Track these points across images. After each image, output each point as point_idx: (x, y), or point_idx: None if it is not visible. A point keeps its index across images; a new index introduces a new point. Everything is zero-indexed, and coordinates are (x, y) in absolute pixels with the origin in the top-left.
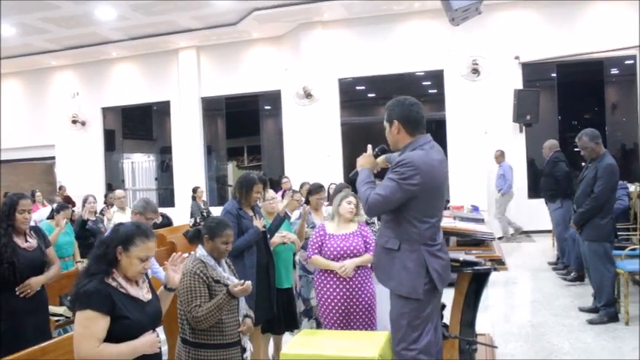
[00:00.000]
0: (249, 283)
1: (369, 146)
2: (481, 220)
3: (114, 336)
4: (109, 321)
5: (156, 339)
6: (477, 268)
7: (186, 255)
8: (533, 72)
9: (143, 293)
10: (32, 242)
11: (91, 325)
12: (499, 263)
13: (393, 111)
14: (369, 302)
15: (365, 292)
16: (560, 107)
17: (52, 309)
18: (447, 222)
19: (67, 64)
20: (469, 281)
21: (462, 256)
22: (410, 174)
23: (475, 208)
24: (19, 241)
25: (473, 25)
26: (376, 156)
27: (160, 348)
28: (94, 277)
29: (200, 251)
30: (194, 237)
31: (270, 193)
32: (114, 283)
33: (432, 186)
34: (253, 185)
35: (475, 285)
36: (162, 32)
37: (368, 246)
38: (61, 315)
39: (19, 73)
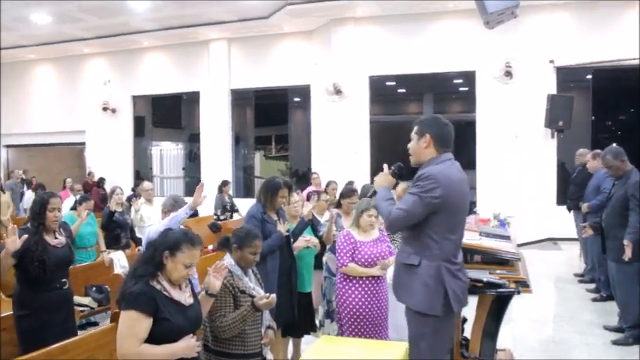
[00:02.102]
0: (273, 296)
1: (385, 165)
2: (507, 238)
3: (155, 337)
4: (151, 322)
5: (195, 343)
6: (500, 290)
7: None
8: (567, 75)
9: (185, 297)
10: (61, 239)
11: (134, 325)
12: (523, 285)
13: (426, 125)
14: (384, 309)
15: (382, 299)
16: (594, 109)
17: (77, 299)
18: (471, 238)
19: (100, 51)
20: (492, 302)
21: (485, 276)
22: (431, 187)
23: (501, 223)
24: (49, 238)
25: (507, 27)
26: (393, 174)
27: (199, 353)
28: (141, 279)
29: (227, 260)
30: (222, 245)
31: (295, 197)
32: (158, 286)
33: (452, 200)
34: (279, 190)
35: (498, 305)
36: (193, 23)
37: (391, 249)
38: (86, 305)
39: (53, 60)
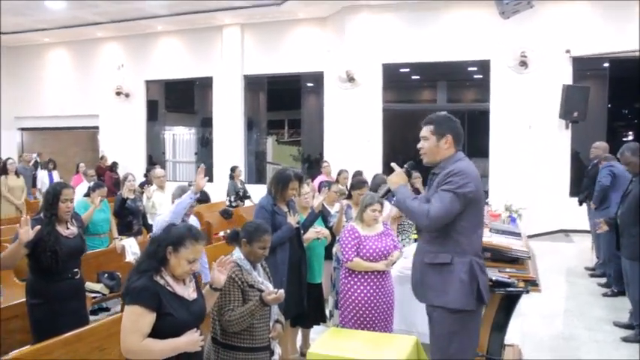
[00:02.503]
0: (281, 292)
1: (394, 164)
2: (517, 235)
3: (159, 332)
4: (154, 317)
5: (198, 337)
6: (509, 289)
7: (232, 258)
8: (584, 64)
9: (189, 292)
10: (73, 229)
11: (138, 320)
12: (532, 284)
13: (444, 125)
14: (390, 303)
15: (388, 293)
16: (610, 97)
17: (90, 285)
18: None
19: (114, 36)
20: (500, 299)
21: (494, 275)
22: (464, 182)
23: (512, 219)
24: (61, 228)
25: (523, 16)
26: (406, 172)
27: (202, 347)
28: (144, 274)
29: (237, 254)
30: (232, 239)
31: (305, 188)
32: (162, 281)
33: (480, 195)
34: (289, 182)
35: (506, 303)
36: (207, 9)
37: (396, 243)
38: (98, 292)
39: (68, 44)
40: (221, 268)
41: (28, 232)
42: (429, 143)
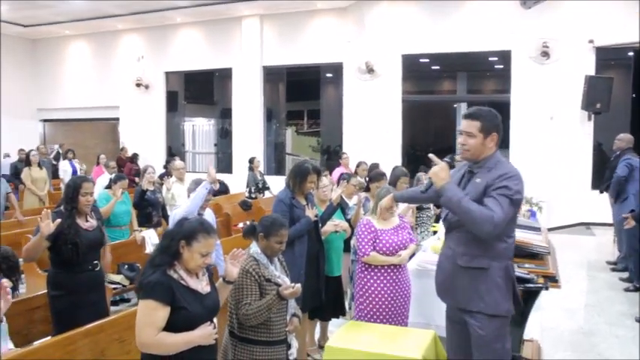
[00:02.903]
0: (298, 286)
1: (432, 156)
2: (537, 229)
3: (173, 326)
4: (168, 311)
5: (212, 331)
6: (528, 286)
7: (249, 252)
8: (607, 54)
9: (202, 286)
10: (93, 222)
11: (152, 314)
12: (552, 280)
13: (492, 122)
14: (407, 297)
15: (404, 287)
16: (635, 86)
17: (110, 277)
18: None
19: (133, 27)
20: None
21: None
22: (518, 188)
23: (532, 213)
24: (81, 221)
25: (545, 6)
26: (450, 165)
27: (216, 340)
28: (158, 269)
29: (254, 248)
30: (248, 233)
31: (324, 181)
32: (175, 275)
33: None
34: (307, 175)
35: (525, 299)
36: (226, 0)
37: (411, 236)
38: (118, 283)
39: (88, 36)
40: (234, 261)
41: (49, 225)
42: (476, 141)
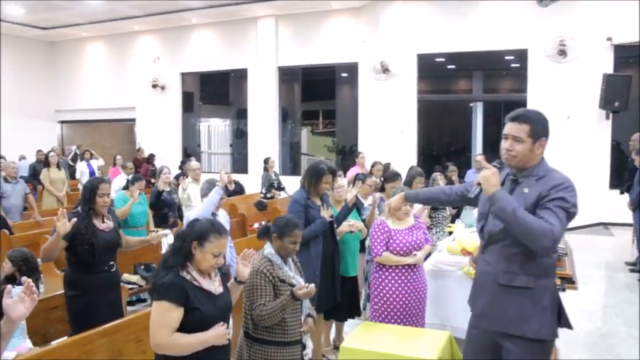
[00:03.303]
0: (312, 286)
1: (480, 159)
2: None
3: (187, 326)
4: (182, 312)
5: (225, 331)
6: None
7: (263, 253)
8: (626, 52)
9: (215, 286)
10: (109, 223)
11: (166, 315)
12: (569, 282)
13: (541, 126)
14: (422, 297)
15: (419, 287)
16: None
17: (126, 277)
18: None
19: (150, 29)
20: None
21: None
22: (575, 200)
23: None
24: (98, 222)
25: (563, 4)
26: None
27: (230, 340)
28: (171, 270)
29: (268, 249)
30: (263, 234)
31: (339, 181)
32: (188, 277)
33: None
34: (322, 176)
35: None
36: (241, 1)
37: (427, 237)
38: (134, 283)
39: (104, 37)
40: (245, 262)
41: (65, 224)
42: (524, 147)
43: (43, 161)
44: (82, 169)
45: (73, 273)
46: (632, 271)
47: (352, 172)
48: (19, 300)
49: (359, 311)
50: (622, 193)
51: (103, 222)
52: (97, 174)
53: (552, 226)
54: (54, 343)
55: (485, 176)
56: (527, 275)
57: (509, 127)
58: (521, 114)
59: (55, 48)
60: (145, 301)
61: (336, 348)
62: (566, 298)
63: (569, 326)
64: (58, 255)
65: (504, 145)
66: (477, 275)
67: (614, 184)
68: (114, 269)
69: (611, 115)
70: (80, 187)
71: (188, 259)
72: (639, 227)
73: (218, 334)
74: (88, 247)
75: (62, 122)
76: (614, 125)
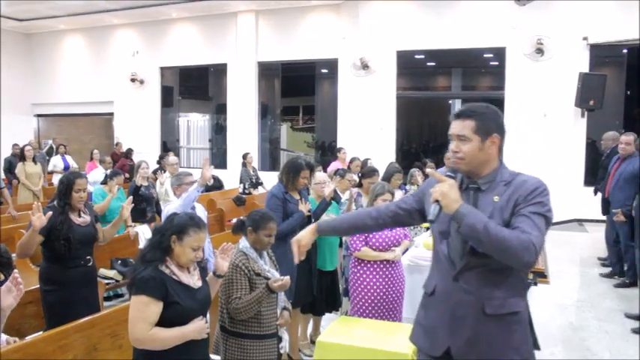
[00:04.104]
0: (287, 278)
1: (431, 171)
2: None
3: (166, 320)
4: (161, 306)
5: (204, 325)
6: None
7: (238, 247)
8: (601, 51)
9: (194, 280)
10: (86, 218)
11: (145, 309)
12: (541, 276)
13: (490, 121)
14: (400, 292)
15: (398, 282)
16: (628, 83)
17: (103, 272)
18: None
19: (128, 22)
20: None
21: None
22: (550, 204)
23: None
24: (74, 217)
25: (539, 3)
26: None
27: (208, 334)
28: (150, 264)
29: (243, 243)
30: (237, 228)
31: (319, 176)
32: (167, 271)
33: None
34: (300, 171)
35: None
36: None
37: (405, 232)
38: (111, 278)
39: (83, 30)
40: (224, 255)
41: (40, 218)
42: (472, 146)
43: (19, 155)
44: (55, 162)
45: (48, 268)
46: (603, 265)
47: (333, 167)
48: (7, 290)
49: (337, 306)
50: (596, 193)
51: (80, 216)
52: (72, 168)
53: (531, 236)
54: (28, 338)
55: (442, 192)
56: (512, 298)
57: (453, 126)
58: (464, 109)
59: (32, 40)
60: (122, 296)
61: (313, 342)
62: (541, 292)
63: (537, 347)
64: (34, 250)
65: (450, 147)
66: (453, 307)
67: (588, 181)
68: (90, 264)
69: (586, 113)
70: (55, 181)
71: (167, 253)
72: (610, 228)
73: (197, 328)
74: (64, 241)
75: (39, 116)
76: (590, 123)
